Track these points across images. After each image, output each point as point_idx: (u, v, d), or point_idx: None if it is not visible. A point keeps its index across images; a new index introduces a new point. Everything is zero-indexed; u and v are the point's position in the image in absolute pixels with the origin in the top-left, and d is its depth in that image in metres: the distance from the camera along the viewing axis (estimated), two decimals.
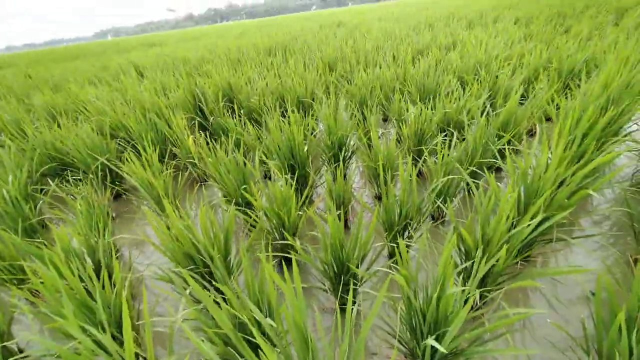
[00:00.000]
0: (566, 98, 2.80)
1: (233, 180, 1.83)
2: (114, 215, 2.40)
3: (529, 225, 1.14)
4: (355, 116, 2.41)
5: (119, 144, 2.81)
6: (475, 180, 1.76)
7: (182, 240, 1.27)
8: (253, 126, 2.86)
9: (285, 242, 1.42)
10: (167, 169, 2.46)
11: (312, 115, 2.95)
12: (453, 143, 1.83)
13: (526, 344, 1.14)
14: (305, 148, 1.87)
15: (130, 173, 1.94)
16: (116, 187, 2.50)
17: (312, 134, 2.40)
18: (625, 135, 1.89)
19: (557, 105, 2.57)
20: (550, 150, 1.64)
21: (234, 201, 1.79)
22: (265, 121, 2.89)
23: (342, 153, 2.25)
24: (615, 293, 1.32)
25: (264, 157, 1.91)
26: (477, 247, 1.16)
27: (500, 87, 2.64)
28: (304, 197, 1.60)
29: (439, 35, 5.22)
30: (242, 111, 3.15)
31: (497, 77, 2.85)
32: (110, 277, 1.54)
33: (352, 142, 2.36)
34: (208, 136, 3.04)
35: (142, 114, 2.85)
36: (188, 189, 2.59)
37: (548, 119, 3.00)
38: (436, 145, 2.12)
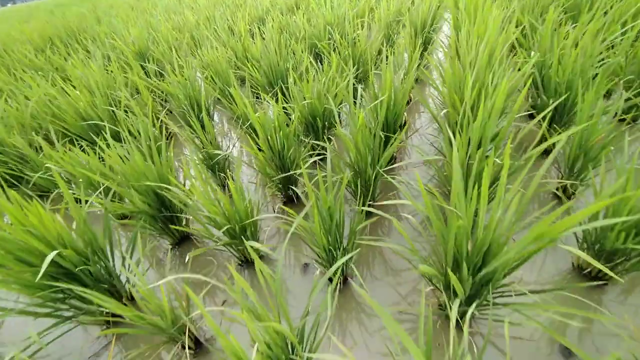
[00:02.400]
0: (430, 54, 2.48)
1: None
2: None
3: None
4: (171, 137, 1.48)
5: None
6: (374, 241, 1.13)
7: None
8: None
9: None
10: None
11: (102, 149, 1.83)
12: (329, 163, 1.14)
13: None
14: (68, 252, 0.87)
15: None
16: None
17: (99, 195, 1.36)
18: None
19: (426, 64, 2.20)
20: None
21: None
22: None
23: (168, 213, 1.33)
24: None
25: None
26: None
27: (363, 54, 2.09)
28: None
29: None
30: None
31: (354, 41, 2.29)
32: None
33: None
34: None
35: None
36: None
37: (416, 81, 2.68)
38: (303, 171, 1.41)
